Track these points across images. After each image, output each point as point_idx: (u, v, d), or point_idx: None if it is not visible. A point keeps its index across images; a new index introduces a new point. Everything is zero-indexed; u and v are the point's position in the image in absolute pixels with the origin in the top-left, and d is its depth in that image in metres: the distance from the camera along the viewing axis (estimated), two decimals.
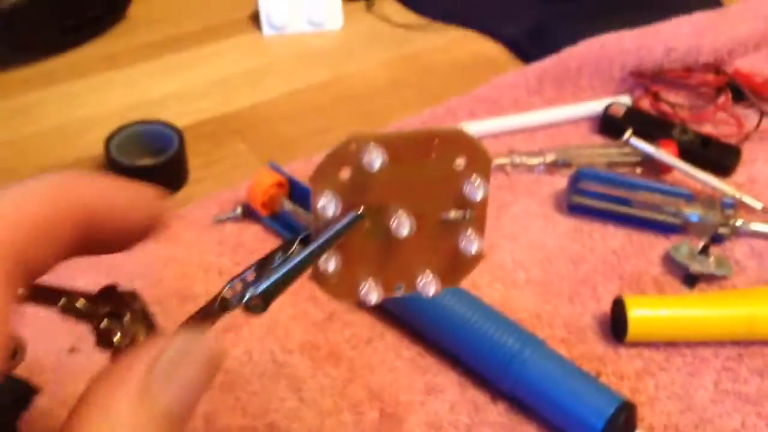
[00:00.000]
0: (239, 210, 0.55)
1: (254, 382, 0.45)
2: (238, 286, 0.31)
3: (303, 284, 0.51)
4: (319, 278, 0.31)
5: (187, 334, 0.26)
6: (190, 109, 0.67)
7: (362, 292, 0.31)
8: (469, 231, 0.31)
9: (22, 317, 0.22)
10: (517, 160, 0.60)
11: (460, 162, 0.30)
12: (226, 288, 0.31)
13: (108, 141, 0.58)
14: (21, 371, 0.45)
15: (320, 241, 0.29)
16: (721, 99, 0.65)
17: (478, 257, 0.32)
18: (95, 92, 0.69)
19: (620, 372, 0.47)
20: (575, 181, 0.56)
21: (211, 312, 0.31)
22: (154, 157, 0.58)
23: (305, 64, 0.74)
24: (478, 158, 0.30)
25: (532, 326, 0.48)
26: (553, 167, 0.60)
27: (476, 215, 0.31)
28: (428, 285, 0.31)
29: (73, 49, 0.73)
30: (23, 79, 0.70)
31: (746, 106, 0.66)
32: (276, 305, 0.50)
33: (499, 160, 0.60)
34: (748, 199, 0.56)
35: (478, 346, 0.45)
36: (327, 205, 0.29)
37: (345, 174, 0.29)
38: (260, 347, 0.47)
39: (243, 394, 0.45)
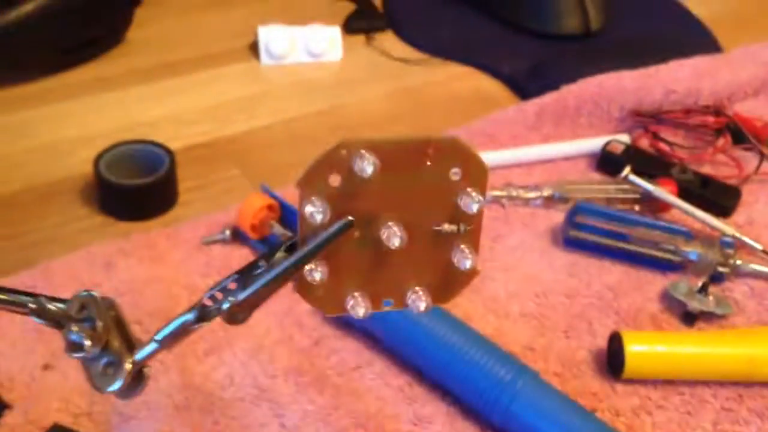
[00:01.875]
0: (228, 232, 0.54)
1: (234, 406, 0.44)
2: (219, 295, 0.30)
3: (290, 308, 0.50)
4: (305, 289, 0.29)
5: None
6: (184, 133, 0.66)
7: (349, 305, 0.30)
8: (463, 245, 0.29)
9: None
10: (514, 193, 0.59)
11: (456, 173, 0.29)
12: (205, 297, 0.30)
13: (97, 159, 0.57)
14: None
15: (307, 249, 0.28)
16: (721, 141, 0.64)
17: (471, 273, 0.30)
18: (89, 113, 0.68)
19: (616, 408, 0.45)
20: (573, 215, 0.55)
21: (188, 324, 0.30)
22: (144, 177, 0.56)
23: (303, 94, 0.73)
24: (474, 169, 0.29)
25: (525, 359, 0.47)
26: (549, 202, 0.59)
27: (471, 229, 0.30)
28: (418, 300, 0.30)
29: (70, 70, 0.73)
30: (19, 97, 0.69)
31: (745, 149, 0.65)
32: (261, 329, 0.49)
33: (495, 193, 0.59)
34: (747, 240, 0.55)
35: (468, 376, 0.44)
36: (315, 212, 0.27)
37: (335, 181, 0.28)
38: (243, 371, 0.46)
39: (222, 419, 0.43)
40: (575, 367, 0.47)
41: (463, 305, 0.51)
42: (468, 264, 0.29)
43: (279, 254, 0.29)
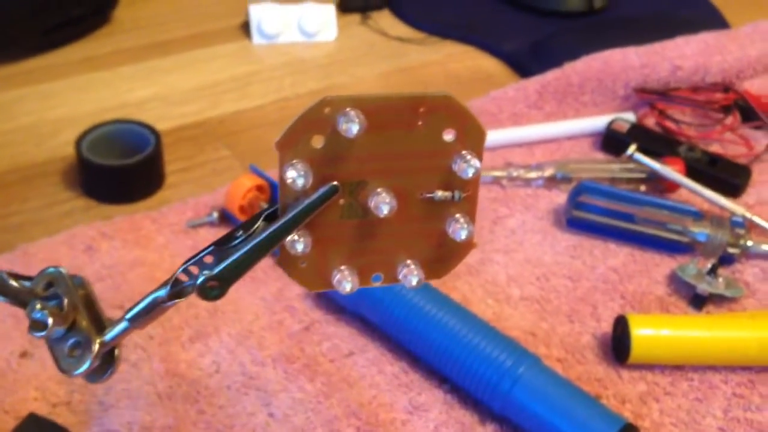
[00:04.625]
0: (215, 215, 0.52)
1: (221, 394, 0.41)
2: (194, 269, 0.28)
3: (281, 292, 0.47)
4: (287, 262, 0.27)
5: None
6: (172, 113, 0.64)
7: (335, 279, 0.27)
8: (458, 214, 0.27)
9: None
10: (514, 173, 0.56)
11: (450, 134, 0.26)
12: (179, 272, 0.28)
13: (79, 140, 0.54)
14: None
15: (288, 217, 0.25)
16: (729, 119, 0.62)
17: (468, 245, 0.28)
18: (74, 93, 0.66)
19: (622, 395, 0.43)
20: (576, 194, 0.53)
21: (160, 301, 0.27)
22: (129, 158, 0.54)
23: (295, 74, 0.71)
24: (470, 131, 0.26)
25: (527, 345, 0.44)
26: (551, 182, 0.57)
27: (466, 197, 0.27)
28: (410, 275, 0.28)
29: (54, 50, 0.70)
30: (1, 77, 0.67)
31: (755, 127, 0.63)
32: (250, 314, 0.46)
33: (495, 173, 0.56)
34: (758, 220, 0.52)
35: (466, 362, 0.41)
36: (296, 176, 0.25)
37: (317, 142, 0.26)
38: (230, 358, 0.43)
39: (208, 407, 0.41)
40: (579, 352, 0.45)
41: (461, 289, 0.48)
42: (463, 234, 0.27)
43: (258, 224, 0.26)
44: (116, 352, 0.28)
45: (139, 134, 0.56)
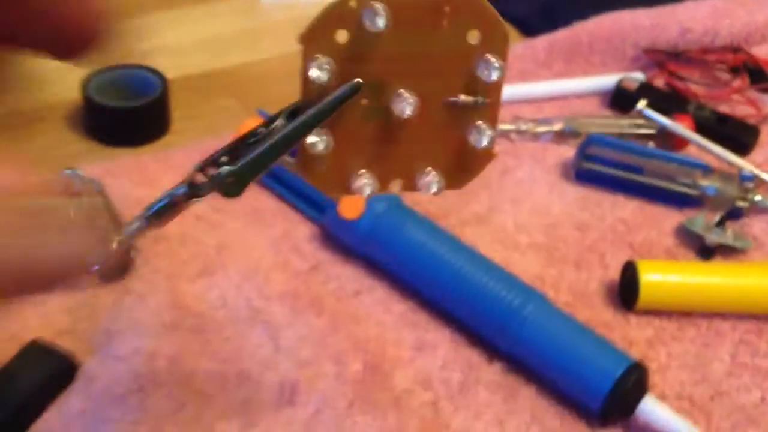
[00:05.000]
0: None
1: (227, 326, 0.41)
2: (211, 170, 0.27)
3: (287, 232, 0.47)
4: (306, 163, 0.26)
5: None
6: (178, 63, 0.63)
7: (355, 183, 0.27)
8: (480, 121, 0.27)
9: None
10: (523, 127, 0.56)
11: (474, 36, 0.26)
12: (194, 170, 0.27)
13: (86, 82, 0.54)
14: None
15: (311, 113, 0.25)
16: (738, 81, 0.62)
17: (489, 154, 0.28)
18: None
19: (629, 339, 0.43)
20: (585, 146, 0.52)
21: (177, 199, 0.27)
22: (135, 101, 0.54)
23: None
24: (495, 34, 0.26)
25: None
26: (560, 137, 0.56)
27: (489, 103, 0.27)
28: (430, 182, 0.27)
29: None
30: None
31: (763, 90, 0.62)
32: (256, 253, 0.46)
33: (503, 126, 0.56)
34: (767, 176, 0.52)
35: (473, 301, 0.41)
36: (320, 71, 0.25)
37: (342, 37, 0.25)
38: (236, 293, 0.43)
39: (214, 338, 0.40)
40: (587, 297, 0.45)
41: (469, 236, 0.48)
42: (485, 141, 0.27)
43: (279, 121, 0.26)
44: (133, 254, 0.28)
45: (145, 79, 0.56)
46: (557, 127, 0.56)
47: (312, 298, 0.43)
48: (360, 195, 0.26)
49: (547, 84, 0.61)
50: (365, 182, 0.27)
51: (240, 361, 0.40)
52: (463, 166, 0.28)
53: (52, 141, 0.54)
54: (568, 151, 0.55)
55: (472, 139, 0.27)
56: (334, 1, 0.24)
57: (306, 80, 0.25)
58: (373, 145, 0.27)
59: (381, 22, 0.24)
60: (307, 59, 0.25)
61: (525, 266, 0.47)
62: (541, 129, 0.56)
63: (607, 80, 0.61)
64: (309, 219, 0.48)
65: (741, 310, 0.44)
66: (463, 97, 0.26)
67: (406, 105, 0.25)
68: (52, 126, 0.56)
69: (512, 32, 0.72)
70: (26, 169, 0.20)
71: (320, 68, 0.24)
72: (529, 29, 0.71)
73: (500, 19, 0.26)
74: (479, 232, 0.49)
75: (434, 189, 0.27)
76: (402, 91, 0.26)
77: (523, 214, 0.50)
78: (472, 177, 0.28)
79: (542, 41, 0.64)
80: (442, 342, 0.42)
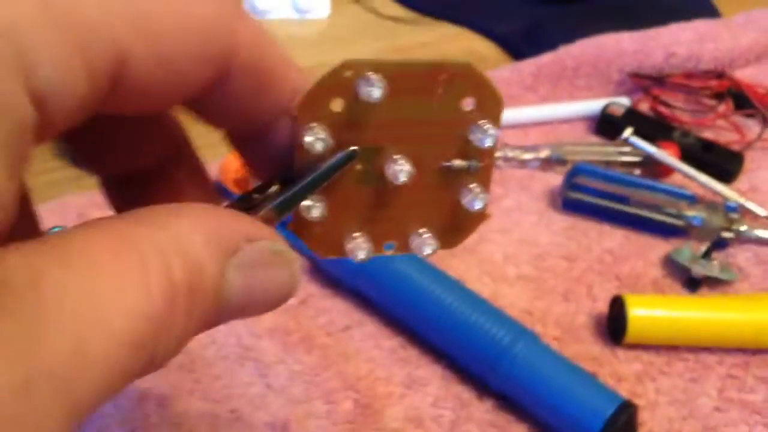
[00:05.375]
0: None
1: (217, 364, 0.41)
2: None
3: None
4: (301, 228, 0.26)
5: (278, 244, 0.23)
6: None
7: (348, 246, 0.27)
8: (474, 184, 0.27)
9: None
10: (510, 153, 0.56)
11: (468, 103, 0.26)
12: None
13: None
14: None
15: (306, 180, 0.25)
16: (722, 107, 0.62)
17: (481, 216, 0.28)
18: None
19: (618, 374, 0.43)
20: (572, 176, 0.53)
21: None
22: None
23: (287, 51, 0.70)
24: (489, 101, 0.26)
25: (523, 323, 0.44)
26: (547, 164, 0.57)
27: (482, 167, 0.27)
28: (423, 244, 0.27)
29: None
30: None
31: (746, 115, 0.63)
32: None
33: None
34: (751, 205, 0.53)
35: (464, 338, 0.41)
36: (315, 139, 0.25)
37: (337, 106, 0.25)
38: (225, 330, 0.43)
39: (204, 377, 0.40)
40: (575, 331, 0.45)
41: (457, 267, 0.48)
42: (478, 204, 0.27)
43: (273, 188, 0.26)
44: None
45: None
46: (544, 154, 0.57)
47: (302, 335, 0.43)
48: (354, 258, 0.26)
49: (533, 109, 0.61)
50: (359, 245, 0.27)
51: (230, 400, 0.39)
52: (456, 226, 0.28)
53: (38, 168, 0.54)
54: (554, 179, 0.56)
55: (466, 202, 0.27)
56: (330, 71, 0.24)
57: (300, 148, 0.25)
58: (366, 209, 0.27)
59: (376, 93, 0.24)
60: (302, 127, 0.25)
61: (513, 299, 0.47)
62: (528, 156, 0.57)
63: (593, 105, 0.62)
64: (298, 252, 0.48)
65: (728, 344, 0.45)
66: (457, 162, 0.26)
67: (400, 171, 0.25)
68: (39, 150, 0.55)
69: (497, 53, 0.72)
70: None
71: (315, 136, 0.24)
72: (513, 48, 0.72)
73: (495, 86, 0.26)
74: (468, 263, 0.49)
75: (428, 251, 0.27)
76: (396, 156, 0.26)
77: (512, 244, 0.51)
78: (466, 237, 0.28)
79: (529, 65, 0.64)
80: (433, 378, 0.42)
